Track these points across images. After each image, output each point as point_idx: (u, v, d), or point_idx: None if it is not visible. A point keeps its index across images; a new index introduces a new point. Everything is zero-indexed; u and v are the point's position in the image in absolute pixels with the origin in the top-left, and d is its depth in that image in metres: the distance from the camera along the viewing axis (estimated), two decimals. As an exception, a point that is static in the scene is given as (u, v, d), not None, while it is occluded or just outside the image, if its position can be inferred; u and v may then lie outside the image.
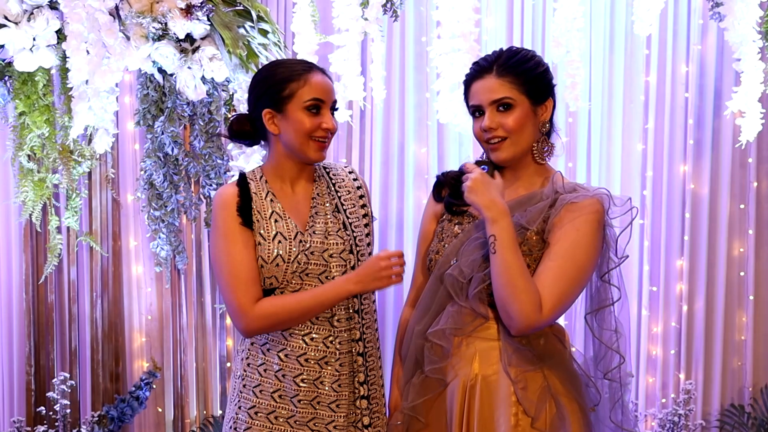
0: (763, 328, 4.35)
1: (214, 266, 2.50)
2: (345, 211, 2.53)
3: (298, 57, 3.70)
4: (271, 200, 2.48)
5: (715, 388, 4.34)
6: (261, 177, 2.52)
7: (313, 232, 2.46)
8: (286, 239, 2.43)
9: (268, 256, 2.42)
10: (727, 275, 4.31)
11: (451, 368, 2.44)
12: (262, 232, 2.45)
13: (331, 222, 2.49)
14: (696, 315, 4.31)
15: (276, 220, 2.46)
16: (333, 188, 2.55)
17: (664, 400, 4.31)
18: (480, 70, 2.42)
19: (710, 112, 4.24)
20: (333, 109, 2.50)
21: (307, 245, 2.44)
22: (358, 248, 2.50)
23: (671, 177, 4.27)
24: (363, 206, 2.58)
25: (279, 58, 3.71)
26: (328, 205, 2.51)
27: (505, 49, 2.45)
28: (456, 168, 2.59)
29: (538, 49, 4.22)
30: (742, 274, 4.33)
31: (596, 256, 2.36)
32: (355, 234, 2.50)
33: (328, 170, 2.59)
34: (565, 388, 2.41)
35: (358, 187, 2.60)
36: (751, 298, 4.32)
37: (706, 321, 4.31)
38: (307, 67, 2.48)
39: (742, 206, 4.30)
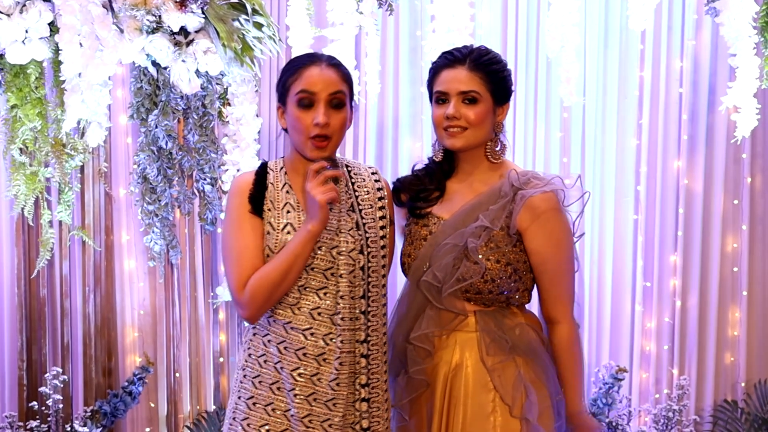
0: (757, 324, 4.36)
1: (222, 252, 2.50)
2: (360, 211, 2.50)
3: (293, 51, 3.70)
4: (287, 192, 2.47)
5: (708, 384, 4.34)
6: (281, 168, 2.51)
7: (324, 228, 2.42)
8: (295, 230, 2.42)
9: (275, 246, 2.41)
10: (721, 271, 4.31)
11: (432, 361, 2.57)
12: (272, 221, 2.44)
13: (344, 220, 2.46)
14: (689, 310, 4.31)
15: (288, 211, 2.45)
16: (351, 187, 2.52)
17: (657, 396, 4.31)
18: (453, 60, 2.53)
19: (704, 108, 4.24)
20: (335, 103, 2.42)
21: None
22: (369, 249, 2.47)
23: (665, 172, 4.27)
24: (381, 208, 2.54)
25: (274, 51, 3.70)
26: (343, 203, 2.48)
27: (475, 46, 2.58)
28: None
29: (533, 43, 4.23)
30: (735, 269, 4.33)
31: (572, 242, 2.55)
32: (367, 235, 2.48)
33: (349, 169, 2.56)
34: (536, 376, 2.55)
35: (379, 189, 2.56)
36: (745, 293, 4.33)
37: (699, 316, 4.31)
38: (308, 61, 2.46)
39: (735, 202, 4.30)
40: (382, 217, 2.54)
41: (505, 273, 2.49)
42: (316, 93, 2.40)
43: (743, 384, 4.35)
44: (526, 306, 2.64)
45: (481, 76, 2.49)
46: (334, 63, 2.47)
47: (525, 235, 2.49)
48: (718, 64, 4.19)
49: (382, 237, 2.53)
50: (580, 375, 2.60)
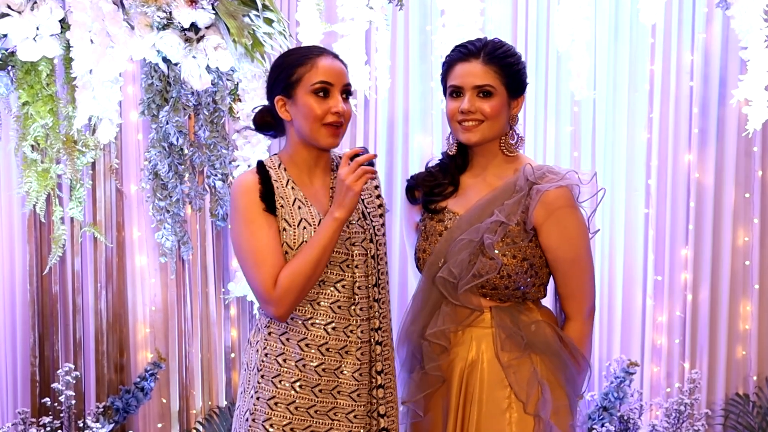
0: (768, 318, 4.35)
1: (237, 254, 2.48)
2: (363, 201, 2.53)
3: (303, 46, 3.69)
4: (293, 188, 2.47)
5: (719, 378, 4.34)
6: (280, 165, 2.50)
7: (351, 215, 2.42)
8: (311, 225, 2.43)
9: (294, 243, 2.41)
10: (732, 264, 4.30)
11: (448, 357, 2.58)
12: (287, 218, 2.43)
13: None
14: (701, 304, 4.30)
15: (299, 207, 2.45)
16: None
17: (668, 390, 4.31)
18: (467, 54, 2.52)
19: (715, 101, 4.23)
20: (346, 93, 2.47)
21: None
22: (376, 237, 2.51)
23: (676, 166, 4.26)
24: (378, 197, 2.58)
25: (284, 46, 3.70)
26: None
27: (489, 39, 2.57)
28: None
29: (543, 37, 4.21)
30: (747, 263, 4.32)
31: (587, 239, 2.55)
32: (373, 223, 2.51)
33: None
34: (553, 373, 2.55)
35: (374, 178, 2.57)
36: (756, 287, 4.32)
37: (710, 310, 4.30)
38: (318, 52, 2.48)
39: (747, 195, 4.29)
40: (380, 206, 2.58)
41: (521, 268, 2.49)
42: (334, 84, 2.43)
43: (755, 378, 4.34)
44: (542, 301, 2.65)
45: (496, 70, 2.49)
46: (337, 55, 2.52)
47: (540, 231, 2.49)
48: (729, 57, 4.18)
49: (382, 225, 2.57)
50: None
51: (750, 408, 4.26)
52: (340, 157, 2.56)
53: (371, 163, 2.39)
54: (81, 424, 3.94)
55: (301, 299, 2.41)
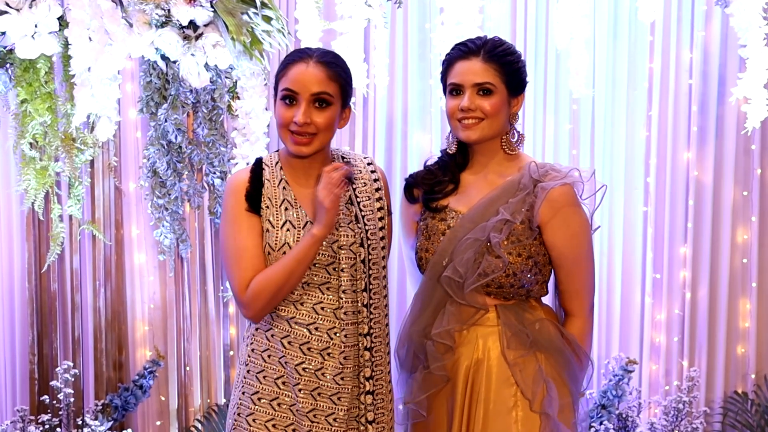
0: (767, 316, 4.34)
1: (221, 252, 2.49)
2: (359, 203, 2.50)
3: (302, 44, 3.69)
4: (284, 188, 2.46)
5: (718, 376, 4.34)
6: (277, 163, 2.50)
7: (330, 233, 2.41)
8: (295, 228, 2.42)
9: (276, 244, 2.41)
10: (731, 262, 4.30)
11: (452, 356, 2.57)
12: (271, 219, 2.43)
13: (343, 213, 2.46)
14: (699, 302, 4.30)
15: (286, 208, 2.44)
16: (348, 179, 2.52)
17: (667, 388, 4.31)
18: (467, 51, 2.53)
19: (714, 99, 4.23)
20: (320, 102, 2.40)
21: None
22: (369, 241, 2.48)
23: (675, 164, 4.26)
24: (378, 199, 2.55)
25: (282, 44, 3.70)
26: (341, 196, 2.48)
27: (489, 37, 2.58)
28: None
29: (542, 35, 4.21)
30: (745, 261, 4.32)
31: (590, 237, 2.57)
32: (367, 227, 2.48)
33: (346, 160, 2.55)
34: (557, 371, 2.56)
35: (375, 180, 2.56)
36: (755, 285, 4.32)
37: (709, 308, 4.30)
38: (298, 57, 2.43)
39: (745, 193, 4.28)
40: (380, 208, 2.54)
41: (526, 266, 2.49)
42: (298, 93, 2.38)
43: (753, 376, 4.34)
44: (543, 299, 2.65)
45: (496, 68, 2.49)
46: (324, 60, 2.42)
47: (545, 229, 2.49)
48: (728, 55, 4.18)
49: (381, 228, 2.53)
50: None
51: (748, 406, 4.26)
52: (342, 158, 2.56)
53: (350, 179, 2.40)
54: (80, 422, 3.94)
55: (273, 305, 2.41)
